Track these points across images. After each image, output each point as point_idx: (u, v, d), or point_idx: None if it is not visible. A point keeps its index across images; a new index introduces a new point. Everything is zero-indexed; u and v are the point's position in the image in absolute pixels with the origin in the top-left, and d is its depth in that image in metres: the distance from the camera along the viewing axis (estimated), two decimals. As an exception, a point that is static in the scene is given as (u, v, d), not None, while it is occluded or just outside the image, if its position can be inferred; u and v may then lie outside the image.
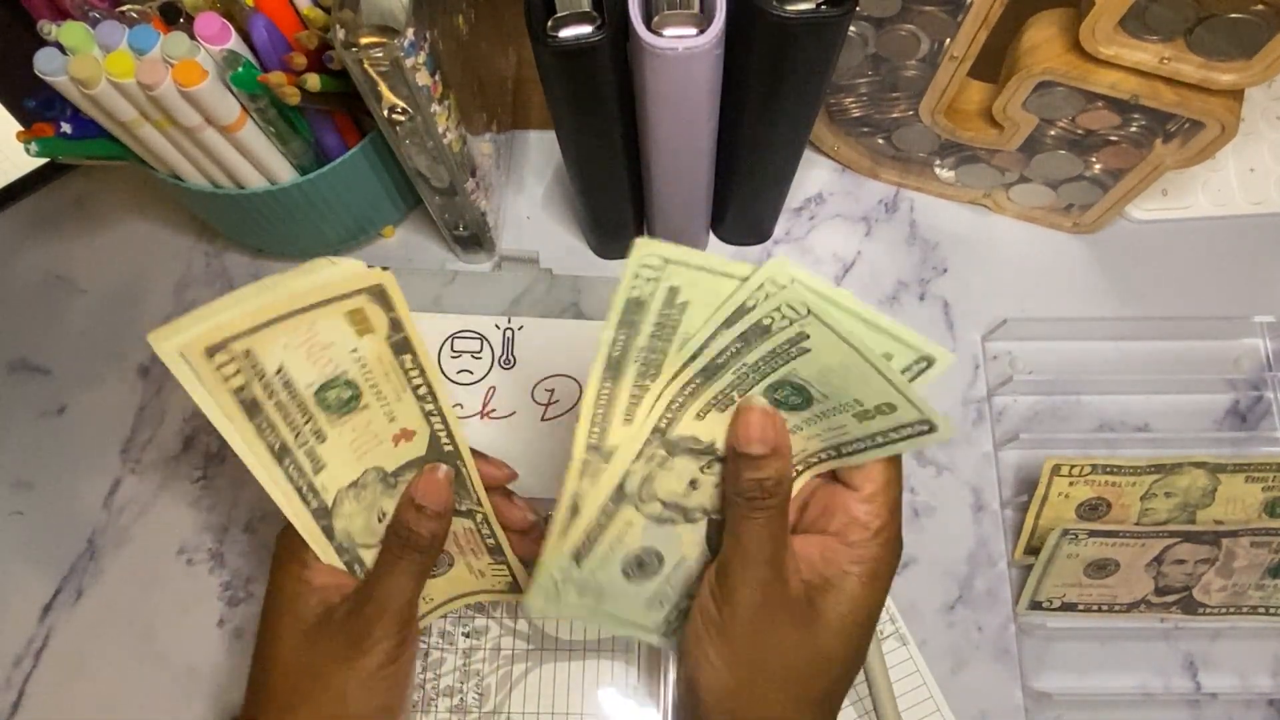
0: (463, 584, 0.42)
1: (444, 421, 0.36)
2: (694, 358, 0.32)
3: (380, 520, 0.37)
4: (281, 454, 0.33)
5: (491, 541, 0.41)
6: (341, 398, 0.34)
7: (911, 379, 0.31)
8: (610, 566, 0.36)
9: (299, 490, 0.34)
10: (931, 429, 0.31)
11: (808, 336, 0.30)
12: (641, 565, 0.36)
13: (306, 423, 0.33)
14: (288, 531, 0.35)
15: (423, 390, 0.35)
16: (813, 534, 0.34)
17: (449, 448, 0.37)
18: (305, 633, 0.35)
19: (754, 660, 0.32)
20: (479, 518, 0.40)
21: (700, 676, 0.33)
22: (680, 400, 0.33)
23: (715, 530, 0.37)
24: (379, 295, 0.32)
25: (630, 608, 0.38)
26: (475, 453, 0.38)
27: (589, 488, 0.34)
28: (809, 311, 0.29)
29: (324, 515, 0.35)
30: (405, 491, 0.37)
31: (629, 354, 0.32)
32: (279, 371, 0.31)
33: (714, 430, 0.34)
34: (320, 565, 0.36)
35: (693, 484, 0.35)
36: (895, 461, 0.34)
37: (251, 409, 0.31)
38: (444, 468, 0.37)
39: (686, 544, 0.36)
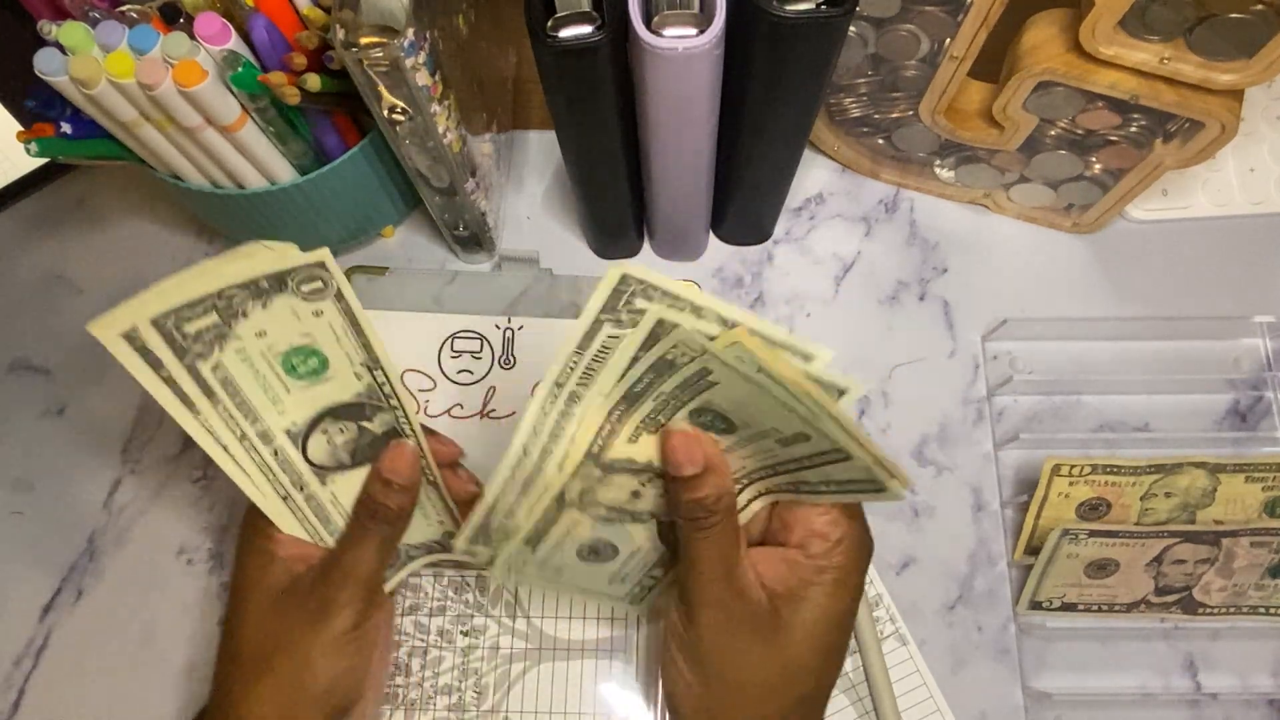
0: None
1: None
2: (617, 384, 0.32)
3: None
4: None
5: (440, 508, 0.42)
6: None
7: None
8: (565, 552, 0.37)
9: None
10: (880, 489, 0.31)
11: (711, 371, 0.30)
12: (596, 552, 0.37)
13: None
14: (252, 508, 0.36)
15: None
16: (775, 547, 0.35)
17: (404, 423, 0.38)
18: (272, 601, 0.36)
19: (724, 675, 0.33)
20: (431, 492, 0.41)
21: (677, 692, 0.35)
22: (609, 426, 0.33)
23: (666, 529, 0.37)
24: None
25: (592, 582, 0.39)
26: (425, 429, 0.40)
27: (524, 496, 0.35)
28: (705, 350, 0.29)
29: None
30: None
31: (573, 376, 0.32)
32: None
33: (648, 451, 0.34)
34: (284, 537, 0.37)
35: (635, 494, 0.35)
36: None
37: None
38: (411, 444, 0.38)
39: (638, 538, 0.37)
